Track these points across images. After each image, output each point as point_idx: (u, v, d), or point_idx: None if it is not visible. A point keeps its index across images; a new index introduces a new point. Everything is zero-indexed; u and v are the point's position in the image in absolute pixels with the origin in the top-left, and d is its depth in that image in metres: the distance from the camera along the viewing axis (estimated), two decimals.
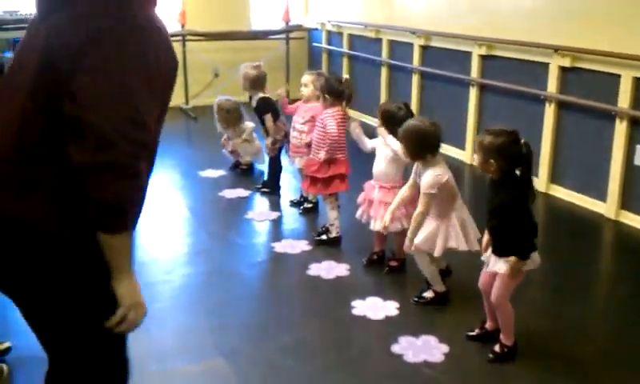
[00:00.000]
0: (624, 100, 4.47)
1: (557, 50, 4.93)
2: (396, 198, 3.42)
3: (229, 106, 5.50)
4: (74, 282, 1.60)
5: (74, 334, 1.66)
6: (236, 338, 3.12)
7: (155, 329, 3.03)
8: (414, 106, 6.54)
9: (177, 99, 7.69)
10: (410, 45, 6.70)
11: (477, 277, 3.02)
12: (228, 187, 5.28)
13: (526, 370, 2.86)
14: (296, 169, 4.79)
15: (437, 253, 3.24)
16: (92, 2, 1.54)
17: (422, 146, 3.19)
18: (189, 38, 7.95)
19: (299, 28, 8.79)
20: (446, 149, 5.94)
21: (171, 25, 7.57)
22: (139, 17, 1.56)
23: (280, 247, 4.14)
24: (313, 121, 4.27)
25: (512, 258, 2.73)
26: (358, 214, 3.77)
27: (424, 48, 6.57)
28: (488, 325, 3.05)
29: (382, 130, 3.62)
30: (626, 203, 4.62)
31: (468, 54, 5.90)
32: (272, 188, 5.13)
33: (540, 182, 5.18)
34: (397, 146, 3.45)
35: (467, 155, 6.00)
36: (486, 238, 2.89)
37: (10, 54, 6.94)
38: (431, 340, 3.06)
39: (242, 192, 5.18)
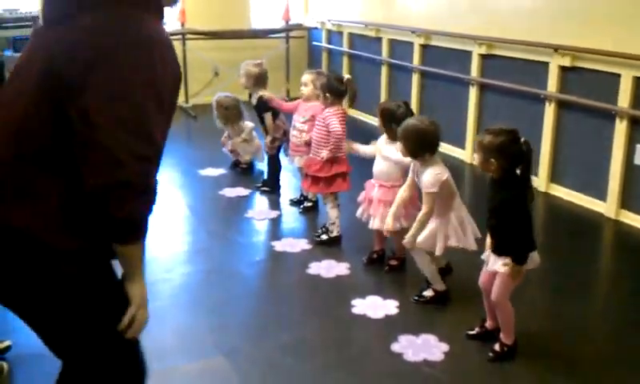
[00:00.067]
0: (624, 99, 4.47)
1: (557, 49, 4.93)
2: (396, 200, 3.41)
3: (228, 102, 5.50)
4: (78, 291, 1.60)
5: (83, 342, 1.67)
6: (236, 337, 3.12)
7: (155, 327, 2.99)
8: (414, 106, 6.54)
9: None
10: (410, 44, 6.69)
11: (477, 276, 3.02)
12: (228, 186, 5.27)
13: (526, 369, 2.86)
14: (296, 168, 4.78)
15: (438, 251, 3.24)
16: (100, 16, 1.54)
17: (421, 145, 3.19)
18: (189, 36, 7.95)
19: (299, 27, 8.78)
20: (446, 148, 5.95)
21: (171, 23, 7.58)
22: (147, 30, 1.56)
23: (280, 246, 4.14)
24: (313, 120, 4.26)
25: (509, 262, 2.73)
26: (359, 212, 3.78)
27: (424, 47, 6.56)
28: (488, 324, 3.05)
29: (377, 148, 3.65)
30: (625, 203, 4.62)
31: (468, 54, 5.90)
32: (272, 187, 5.13)
33: (540, 182, 5.19)
34: (396, 155, 3.45)
35: (467, 154, 6.00)
36: (488, 238, 2.89)
37: (9, 53, 6.95)
38: (431, 339, 3.06)
39: (241, 191, 5.18)
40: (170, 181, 5.34)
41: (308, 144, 4.25)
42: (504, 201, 2.73)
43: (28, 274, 1.55)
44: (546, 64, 5.08)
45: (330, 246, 4.09)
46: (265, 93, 4.77)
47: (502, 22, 5.51)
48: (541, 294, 3.58)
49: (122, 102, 1.48)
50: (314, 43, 8.76)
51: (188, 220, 4.64)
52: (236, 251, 4.15)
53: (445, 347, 2.99)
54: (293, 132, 4.55)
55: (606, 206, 4.71)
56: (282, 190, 5.13)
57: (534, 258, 2.80)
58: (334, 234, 4.13)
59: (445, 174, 3.19)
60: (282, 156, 5.10)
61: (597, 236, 4.58)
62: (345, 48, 7.99)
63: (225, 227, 4.50)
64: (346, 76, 4.16)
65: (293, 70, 8.45)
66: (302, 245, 4.14)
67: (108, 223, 1.52)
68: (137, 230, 1.56)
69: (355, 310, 3.34)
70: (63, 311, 1.60)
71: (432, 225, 3.22)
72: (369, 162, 3.76)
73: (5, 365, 2.75)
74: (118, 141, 1.46)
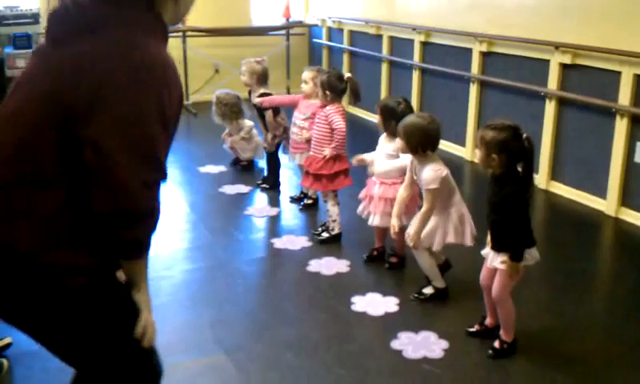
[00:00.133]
0: (624, 97, 4.47)
1: (557, 46, 4.92)
2: (397, 202, 3.40)
3: (228, 99, 5.48)
4: (87, 303, 1.60)
5: (100, 352, 1.68)
6: (237, 334, 3.12)
7: (156, 324, 3.03)
8: (414, 103, 6.55)
9: None
10: (411, 41, 6.69)
11: (476, 273, 3.03)
12: (228, 183, 5.28)
13: (526, 366, 2.86)
14: (296, 165, 4.78)
15: (435, 247, 3.24)
16: (104, 39, 1.54)
17: (424, 142, 3.18)
18: (189, 33, 7.94)
19: (300, 24, 8.78)
20: (446, 145, 5.96)
21: None
22: (152, 54, 1.56)
23: (280, 243, 4.15)
24: (314, 117, 4.26)
25: (506, 259, 2.74)
26: (359, 209, 3.78)
27: (425, 44, 6.56)
28: (488, 321, 3.05)
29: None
30: (626, 200, 4.62)
31: (469, 51, 5.89)
32: (272, 184, 5.13)
33: (540, 179, 5.19)
34: (396, 152, 3.45)
35: (467, 152, 6.01)
36: (489, 234, 2.89)
37: (10, 50, 6.95)
38: (431, 336, 3.06)
39: (242, 188, 5.18)
40: (170, 178, 5.31)
41: (309, 141, 4.25)
42: (506, 196, 2.73)
43: (36, 295, 1.55)
44: (547, 61, 5.08)
45: (330, 244, 4.09)
46: (258, 100, 4.75)
47: (503, 20, 5.51)
48: (540, 291, 3.58)
49: (132, 130, 1.49)
50: (315, 40, 8.76)
51: (188, 217, 4.64)
52: (236, 248, 4.15)
53: (444, 344, 3.00)
54: (293, 129, 4.55)
55: (606, 204, 4.72)
56: (281, 187, 5.13)
57: (534, 254, 2.80)
58: (335, 231, 4.14)
59: (444, 170, 3.19)
60: (281, 153, 5.10)
61: (597, 234, 4.58)
62: (345, 45, 7.99)
63: (225, 224, 4.50)
64: (347, 74, 4.16)
65: (293, 67, 8.45)
66: (302, 242, 4.15)
67: (114, 243, 1.57)
68: (143, 248, 1.62)
69: (355, 307, 3.35)
70: (75, 325, 1.61)
71: (432, 222, 3.23)
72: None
73: (5, 362, 2.75)
74: (130, 171, 1.49)
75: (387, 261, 3.80)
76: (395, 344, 3.01)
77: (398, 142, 3.29)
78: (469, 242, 3.24)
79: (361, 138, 5.61)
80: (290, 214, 4.70)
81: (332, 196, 4.12)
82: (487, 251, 2.88)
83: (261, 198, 5.01)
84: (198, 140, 6.62)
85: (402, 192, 3.39)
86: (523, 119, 4.66)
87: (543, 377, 2.80)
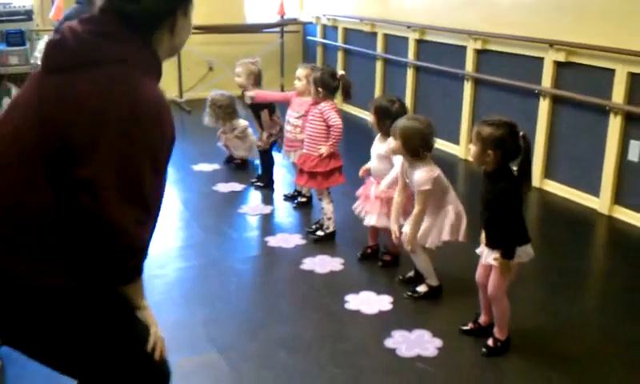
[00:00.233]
0: (618, 95, 4.48)
1: (552, 44, 4.93)
2: (393, 208, 3.38)
3: (222, 101, 5.45)
4: (92, 318, 1.63)
5: (110, 365, 1.70)
6: (230, 332, 3.11)
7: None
8: (408, 101, 6.55)
9: (171, 92, 7.67)
10: (405, 39, 6.69)
11: (470, 271, 3.03)
12: (222, 181, 5.26)
13: (520, 364, 2.87)
14: (290, 163, 4.77)
15: (429, 244, 3.25)
16: (101, 75, 1.55)
17: (422, 146, 3.17)
18: None
19: (294, 21, 8.76)
20: (440, 143, 5.93)
21: None
22: (147, 94, 1.58)
23: (274, 241, 4.14)
24: (307, 115, 4.25)
25: (498, 256, 2.74)
26: (355, 206, 3.77)
27: (419, 42, 6.56)
28: (482, 319, 3.05)
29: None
30: (619, 198, 4.63)
31: (463, 49, 5.89)
32: (266, 182, 5.12)
33: (533, 177, 5.16)
34: (389, 152, 3.44)
35: (461, 150, 6.00)
36: (483, 232, 2.88)
37: (3, 47, 6.91)
38: (425, 334, 3.06)
39: (235, 186, 5.17)
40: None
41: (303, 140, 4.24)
42: (500, 193, 2.72)
43: (39, 316, 1.57)
44: (541, 59, 5.08)
45: (324, 242, 4.09)
46: (251, 93, 4.72)
47: (497, 18, 5.51)
48: (534, 289, 3.58)
49: (125, 172, 1.51)
50: (309, 38, 8.75)
51: (181, 215, 4.63)
52: (230, 246, 4.14)
53: (438, 343, 2.99)
54: (287, 127, 4.54)
55: (600, 202, 4.72)
56: (275, 186, 5.12)
57: (528, 251, 2.80)
58: (330, 229, 4.13)
59: (436, 171, 3.19)
60: (275, 152, 5.09)
61: (590, 232, 4.58)
62: (340, 43, 7.98)
63: (218, 222, 4.49)
64: (340, 72, 4.15)
65: (287, 65, 8.43)
66: (296, 240, 4.14)
67: (111, 273, 1.61)
68: (137, 275, 1.66)
69: (349, 306, 3.34)
70: (81, 340, 1.63)
71: (427, 222, 3.23)
72: (366, 158, 3.74)
73: None
74: (123, 213, 1.51)
75: (381, 259, 3.80)
76: (389, 342, 3.00)
77: (391, 143, 3.26)
78: (462, 237, 3.24)
79: (353, 135, 5.59)
80: (284, 212, 4.69)
81: (326, 194, 4.12)
82: (482, 249, 2.88)
83: (255, 196, 5.00)
84: (192, 138, 6.60)
85: (396, 197, 3.38)
86: (517, 117, 4.60)
87: (537, 375, 2.80)
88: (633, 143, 4.48)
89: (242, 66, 4.86)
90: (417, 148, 3.17)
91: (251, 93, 4.71)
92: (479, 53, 5.76)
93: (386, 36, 7.13)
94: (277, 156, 5.12)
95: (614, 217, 4.63)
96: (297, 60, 8.30)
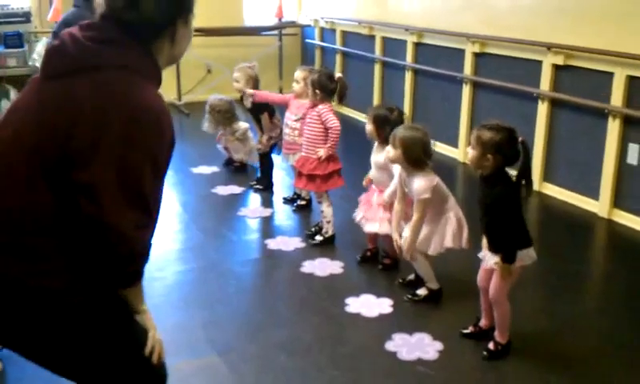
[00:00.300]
0: (617, 98, 4.48)
1: (550, 47, 4.93)
2: (393, 217, 3.37)
3: (221, 106, 5.42)
4: (90, 318, 1.63)
5: (109, 367, 1.70)
6: (230, 335, 3.11)
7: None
8: (407, 104, 6.56)
9: (169, 95, 7.67)
10: (404, 42, 6.69)
11: (470, 274, 3.03)
12: (221, 184, 5.26)
13: (520, 367, 2.86)
14: (289, 166, 4.77)
15: (431, 252, 3.25)
16: (101, 80, 1.55)
17: (423, 154, 3.17)
18: None
19: (292, 24, 8.76)
20: (438, 147, 5.94)
21: None
22: (147, 99, 1.57)
23: (273, 244, 4.13)
24: (305, 118, 4.25)
25: (498, 261, 2.73)
26: (356, 213, 3.75)
27: (417, 45, 6.56)
28: (482, 322, 3.05)
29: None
30: (618, 202, 4.63)
31: (461, 52, 5.90)
32: (265, 185, 5.11)
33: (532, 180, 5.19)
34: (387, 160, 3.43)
35: (460, 153, 6.00)
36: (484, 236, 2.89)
37: (1, 49, 6.90)
38: (425, 337, 3.06)
39: (235, 189, 5.16)
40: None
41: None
42: (497, 197, 2.73)
43: (37, 317, 1.57)
44: (540, 62, 5.08)
45: (323, 245, 4.08)
46: (250, 91, 4.71)
47: (496, 21, 5.51)
48: (534, 292, 3.58)
49: (125, 175, 1.51)
50: (307, 41, 8.75)
51: (181, 218, 4.62)
52: (229, 249, 4.13)
53: (439, 346, 2.99)
54: (285, 130, 4.54)
55: (599, 205, 4.72)
56: (275, 188, 5.11)
57: (531, 253, 2.80)
58: (329, 233, 4.12)
59: (435, 179, 3.19)
60: (274, 154, 5.08)
61: (589, 235, 4.59)
62: (338, 46, 7.98)
63: (218, 225, 4.48)
64: (338, 74, 4.15)
65: (286, 67, 8.43)
66: (296, 243, 4.14)
67: (111, 277, 1.61)
68: (137, 278, 1.66)
69: (349, 309, 3.34)
70: (80, 342, 1.63)
71: (427, 229, 3.23)
72: (364, 160, 3.74)
73: None
74: (123, 218, 1.51)
75: (381, 262, 3.79)
76: (389, 345, 3.00)
77: (390, 151, 3.22)
78: (465, 244, 3.24)
79: (351, 138, 5.58)
80: (284, 215, 4.68)
81: (326, 197, 4.11)
82: (484, 253, 2.88)
83: (254, 199, 5.00)
84: (191, 141, 6.59)
85: (396, 205, 3.37)
86: (516, 120, 4.66)
87: (537, 377, 2.80)
88: (632, 146, 4.48)
89: (241, 71, 4.85)
90: (417, 157, 3.16)
91: (251, 91, 4.71)
92: (477, 56, 5.77)
93: (384, 39, 7.13)
94: (276, 159, 5.11)
95: (613, 220, 4.63)
96: (295, 63, 8.28)
